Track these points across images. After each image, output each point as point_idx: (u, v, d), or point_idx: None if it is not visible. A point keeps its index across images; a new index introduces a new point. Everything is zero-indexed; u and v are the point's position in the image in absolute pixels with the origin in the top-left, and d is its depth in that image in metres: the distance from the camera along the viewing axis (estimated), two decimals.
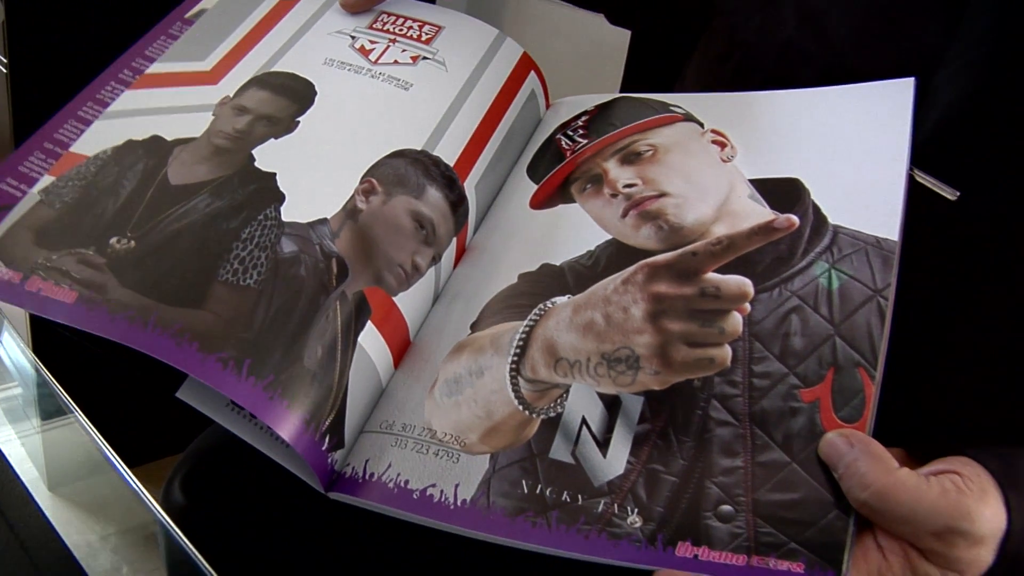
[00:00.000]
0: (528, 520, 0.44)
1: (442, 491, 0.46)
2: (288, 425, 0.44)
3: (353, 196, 0.51)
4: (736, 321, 0.46)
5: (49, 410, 0.62)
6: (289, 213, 0.50)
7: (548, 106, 0.64)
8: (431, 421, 0.48)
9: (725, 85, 0.58)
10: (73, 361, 0.61)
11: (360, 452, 0.48)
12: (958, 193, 0.49)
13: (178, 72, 0.56)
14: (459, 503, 0.45)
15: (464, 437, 0.47)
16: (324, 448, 0.46)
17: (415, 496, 0.46)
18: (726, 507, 0.42)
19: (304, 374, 0.46)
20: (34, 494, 0.48)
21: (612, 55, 0.76)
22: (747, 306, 0.47)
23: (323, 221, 0.50)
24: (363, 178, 0.52)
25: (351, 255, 0.50)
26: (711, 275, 0.48)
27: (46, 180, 0.51)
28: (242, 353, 0.44)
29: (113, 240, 0.48)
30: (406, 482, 0.46)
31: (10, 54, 0.96)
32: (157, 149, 0.52)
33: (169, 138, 0.53)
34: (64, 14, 1.00)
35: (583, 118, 0.60)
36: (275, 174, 0.51)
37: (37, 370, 0.58)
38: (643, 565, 0.41)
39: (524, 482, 0.45)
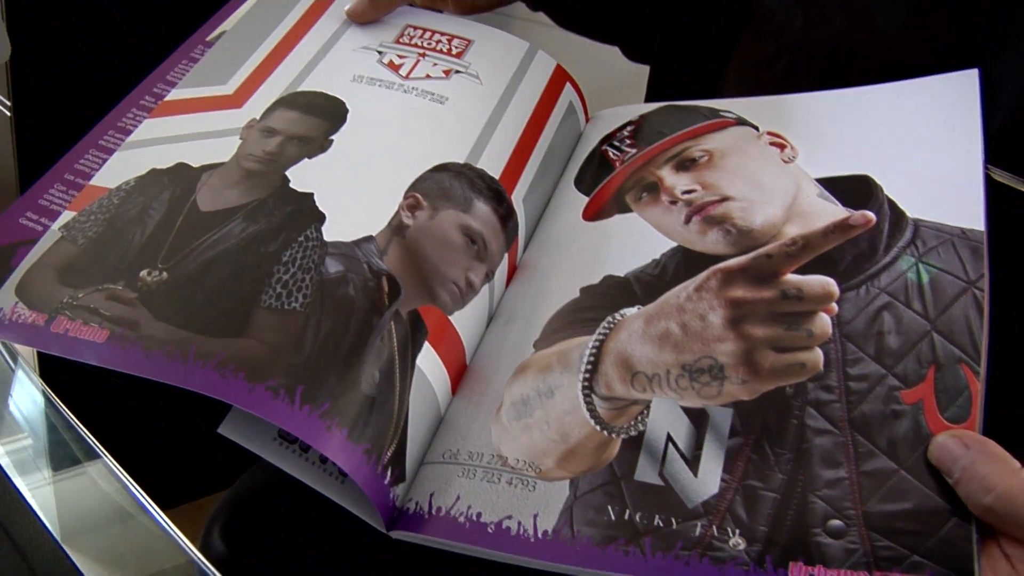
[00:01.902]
0: (620, 549, 0.41)
1: (520, 523, 0.42)
2: (348, 457, 0.41)
3: (398, 212, 0.49)
4: (824, 322, 0.44)
5: (61, 460, 0.59)
6: (331, 232, 0.48)
7: (588, 119, 0.62)
8: (500, 447, 0.45)
9: (775, 88, 0.57)
10: (85, 403, 0.57)
11: (423, 485, 0.45)
12: None
13: (200, 98, 0.54)
14: (540, 535, 0.42)
15: (539, 463, 0.44)
16: (386, 482, 0.43)
17: (490, 530, 0.42)
18: (835, 522, 0.40)
19: (362, 400, 0.43)
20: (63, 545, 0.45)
21: (632, 86, 0.75)
22: (834, 306, 0.44)
23: (368, 239, 0.48)
24: (406, 193, 0.50)
25: (402, 272, 0.47)
26: (791, 276, 0.46)
27: (67, 216, 0.48)
28: (293, 380, 0.41)
29: (143, 273, 0.45)
30: (478, 515, 0.43)
31: (14, 96, 0.94)
32: (184, 176, 0.50)
33: (195, 164, 0.50)
34: (69, 56, 0.98)
35: (628, 128, 0.58)
36: (312, 194, 0.49)
37: (56, 417, 0.54)
38: None
39: (610, 508, 0.42)
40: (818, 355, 0.43)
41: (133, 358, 0.42)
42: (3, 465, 0.53)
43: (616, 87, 0.73)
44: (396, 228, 0.49)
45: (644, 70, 0.77)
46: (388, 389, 0.44)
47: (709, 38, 0.69)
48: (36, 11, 0.95)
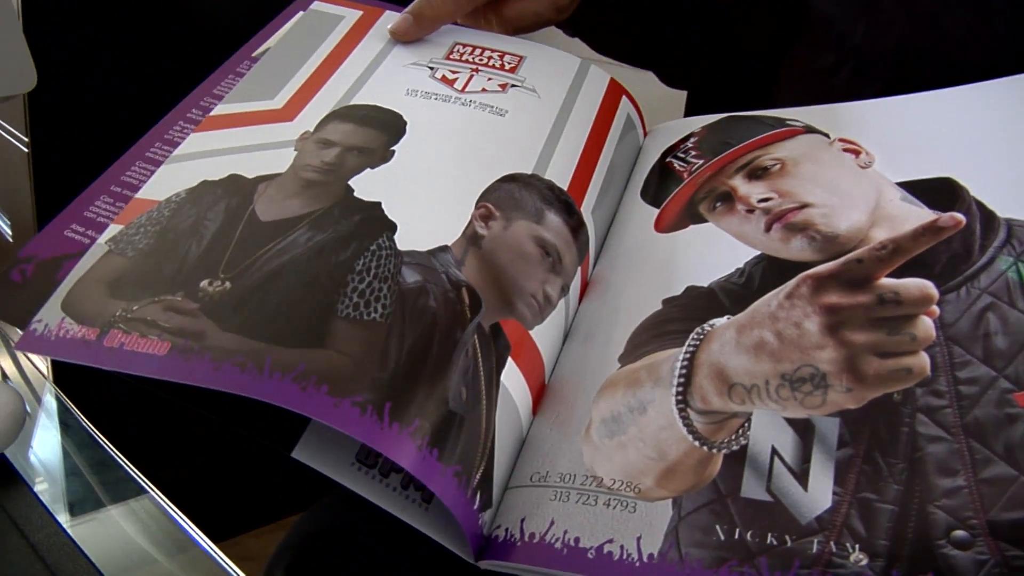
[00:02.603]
0: (734, 571, 0.39)
1: (622, 546, 0.40)
2: (439, 480, 0.39)
3: (471, 222, 0.48)
4: (927, 325, 0.43)
5: (80, 504, 0.56)
6: (404, 242, 0.46)
7: (645, 132, 0.61)
8: (594, 467, 0.43)
9: (839, 97, 0.56)
10: (118, 434, 0.55)
11: (511, 510, 0.43)
12: None
13: (248, 112, 0.53)
14: (646, 558, 0.40)
15: (637, 482, 0.42)
16: (475, 507, 0.41)
17: (590, 555, 0.40)
18: (960, 532, 0.38)
19: (451, 418, 0.41)
20: None
21: (668, 112, 0.74)
22: (935, 309, 0.43)
23: (444, 248, 0.46)
24: (477, 203, 0.48)
25: (480, 284, 0.45)
26: (886, 280, 0.45)
27: (114, 229, 0.47)
28: (380, 396, 0.39)
29: (204, 283, 0.44)
30: (576, 540, 0.41)
31: (32, 133, 0.92)
32: (238, 187, 0.48)
33: (250, 175, 0.49)
34: (87, 91, 0.97)
35: (692, 140, 0.57)
36: (380, 203, 0.48)
37: (90, 455, 0.52)
38: None
39: (718, 527, 0.40)
40: (924, 359, 0.42)
41: (200, 370, 0.39)
42: (46, 504, 0.50)
43: (652, 112, 0.72)
44: (471, 238, 0.47)
45: (681, 95, 0.76)
46: (475, 407, 0.42)
47: (752, 59, 0.69)
48: (51, 46, 0.94)
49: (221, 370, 0.39)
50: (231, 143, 0.51)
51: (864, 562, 0.38)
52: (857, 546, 0.38)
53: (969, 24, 0.53)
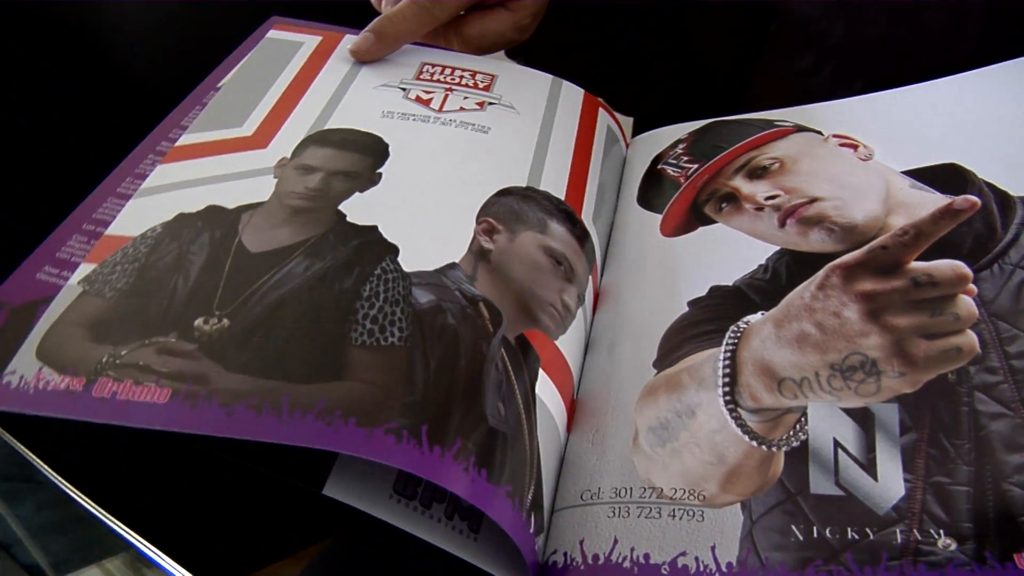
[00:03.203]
0: (821, 571, 0.37)
1: (697, 558, 0.38)
2: (495, 501, 0.36)
3: (475, 237, 0.45)
4: (968, 304, 0.42)
5: (63, 564, 0.50)
6: (409, 263, 0.43)
7: (627, 143, 0.60)
8: (651, 478, 0.41)
9: (823, 95, 0.56)
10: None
11: (564, 533, 0.40)
12: None
13: (217, 140, 0.50)
14: (725, 568, 0.37)
15: (701, 489, 0.40)
16: (531, 530, 0.38)
17: (664, 571, 0.38)
18: None
19: (493, 435, 0.38)
20: None
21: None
22: (972, 287, 0.43)
23: (453, 266, 0.44)
24: (478, 219, 0.46)
25: (497, 297, 0.43)
26: (916, 264, 0.44)
27: (85, 268, 0.43)
28: (415, 420, 0.36)
29: (199, 322, 0.40)
30: (646, 556, 0.38)
31: None
32: (220, 218, 0.45)
33: (230, 205, 0.46)
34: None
35: (681, 146, 0.56)
36: (376, 226, 0.45)
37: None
38: None
39: (794, 528, 0.38)
40: (972, 337, 0.41)
41: (210, 417, 0.36)
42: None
43: None
44: (478, 253, 0.45)
45: (627, 121, 0.76)
46: (516, 422, 0.39)
47: (714, 77, 0.69)
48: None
49: (235, 415, 0.36)
50: (202, 173, 0.48)
51: (953, 547, 0.36)
52: (942, 531, 0.37)
53: (946, 17, 0.54)
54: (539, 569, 0.39)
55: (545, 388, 0.42)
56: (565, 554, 0.39)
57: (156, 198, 0.46)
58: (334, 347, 0.39)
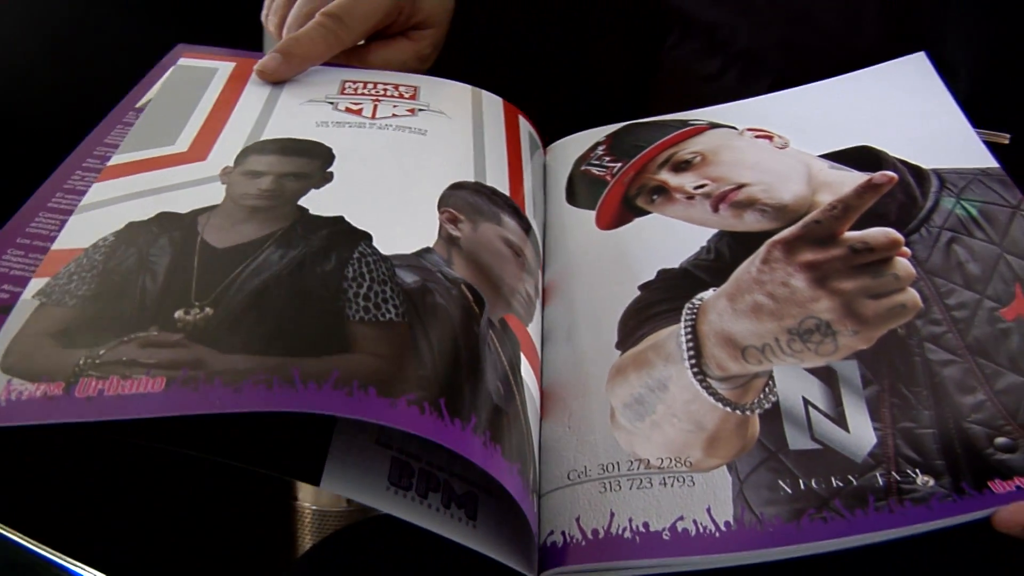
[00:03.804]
0: (815, 519, 0.38)
1: (695, 520, 0.39)
2: (510, 479, 0.37)
3: (442, 225, 0.46)
4: (905, 264, 0.46)
5: None
6: (384, 248, 0.43)
7: (544, 150, 0.62)
8: (636, 451, 0.42)
9: (731, 97, 0.60)
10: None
11: (558, 514, 0.40)
12: (1009, 136, 0.53)
13: (152, 158, 0.49)
14: (723, 527, 0.39)
15: (686, 456, 0.41)
16: (536, 510, 0.38)
17: (665, 536, 0.39)
18: (1001, 439, 0.40)
19: (500, 413, 0.38)
20: None
21: None
22: (906, 250, 0.46)
23: (428, 250, 0.44)
24: (440, 209, 0.47)
25: (474, 281, 0.43)
26: (850, 233, 0.47)
27: (38, 283, 0.41)
28: (432, 392, 0.36)
29: (179, 313, 0.39)
30: (646, 525, 0.39)
31: None
32: (174, 222, 0.44)
33: (183, 211, 0.45)
34: None
35: (600, 148, 0.59)
36: (342, 216, 0.45)
37: None
38: (977, 513, 0.37)
39: (781, 482, 0.40)
40: (913, 294, 0.45)
41: (215, 396, 0.35)
42: None
43: None
44: (448, 240, 0.45)
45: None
46: (512, 402, 0.40)
47: (611, 93, 0.73)
48: None
49: (242, 391, 0.35)
50: (145, 186, 0.47)
51: (932, 483, 0.39)
52: (918, 471, 0.39)
53: (843, 17, 0.59)
54: (540, 552, 0.39)
55: (527, 372, 0.43)
56: (563, 533, 0.39)
57: (100, 212, 0.45)
58: (334, 322, 0.39)
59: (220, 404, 0.34)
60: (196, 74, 0.57)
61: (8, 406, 0.35)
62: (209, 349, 0.37)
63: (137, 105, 0.53)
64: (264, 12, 0.64)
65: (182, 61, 0.58)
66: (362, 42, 0.61)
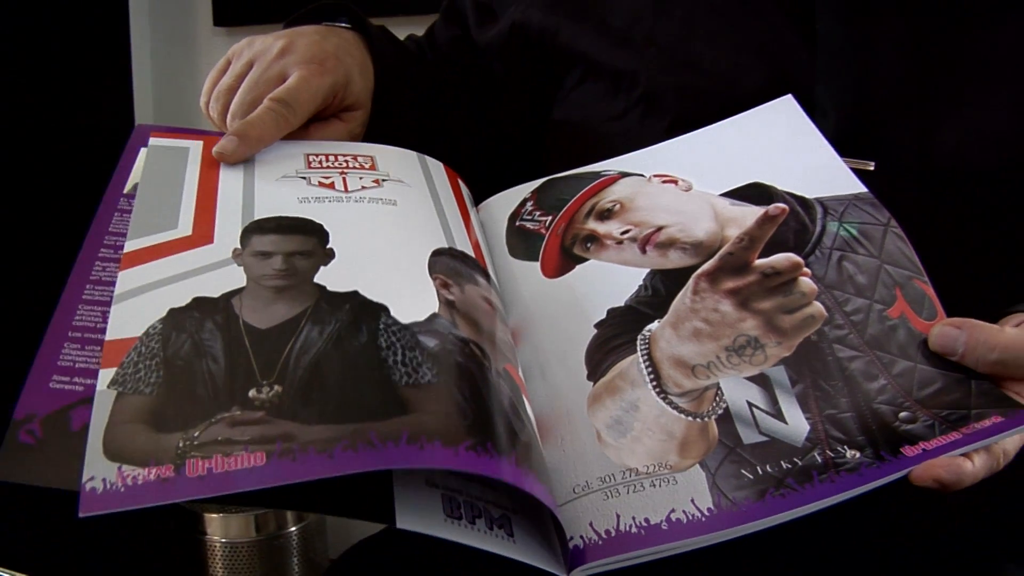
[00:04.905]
0: (776, 495, 0.50)
1: (684, 511, 0.50)
2: (548, 499, 0.47)
3: (439, 292, 0.55)
4: (808, 282, 0.58)
5: None
6: (401, 317, 0.53)
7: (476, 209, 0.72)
8: (625, 462, 0.52)
9: (635, 134, 0.72)
10: None
11: (573, 522, 0.51)
12: (873, 163, 0.67)
13: (164, 243, 0.55)
14: (707, 512, 0.50)
15: (666, 461, 0.52)
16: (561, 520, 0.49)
17: (664, 527, 0.49)
18: (904, 413, 0.53)
19: (526, 446, 0.48)
20: None
21: None
22: (806, 270, 0.59)
23: (436, 315, 0.53)
24: (431, 276, 0.56)
25: (476, 338, 0.53)
26: (760, 261, 0.60)
27: (107, 373, 0.47)
28: (480, 438, 0.46)
29: (252, 393, 0.47)
30: (646, 520, 0.50)
31: None
32: (212, 306, 0.51)
33: (215, 295, 0.52)
34: None
35: (529, 204, 0.69)
36: (356, 291, 0.53)
37: None
38: (897, 474, 0.50)
39: (743, 471, 0.51)
40: (819, 306, 0.57)
41: (312, 463, 0.43)
42: None
43: None
44: (448, 304, 0.54)
45: None
46: (531, 436, 0.50)
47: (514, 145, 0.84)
48: None
49: (335, 457, 0.43)
50: (168, 272, 0.53)
51: (858, 455, 0.51)
52: (845, 447, 0.52)
53: (727, 64, 0.72)
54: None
55: (527, 408, 0.53)
56: (582, 537, 0.50)
57: (138, 300, 0.51)
58: (387, 389, 0.48)
59: (320, 470, 0.42)
60: (171, 154, 0.63)
61: (127, 491, 0.41)
62: (292, 423, 0.45)
63: (125, 191, 0.60)
64: (203, 99, 0.71)
65: (153, 141, 0.64)
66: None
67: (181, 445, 0.44)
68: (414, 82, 0.82)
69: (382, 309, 0.52)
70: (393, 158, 0.68)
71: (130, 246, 0.55)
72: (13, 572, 0.55)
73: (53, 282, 0.54)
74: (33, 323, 0.53)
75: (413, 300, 0.54)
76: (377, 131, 0.75)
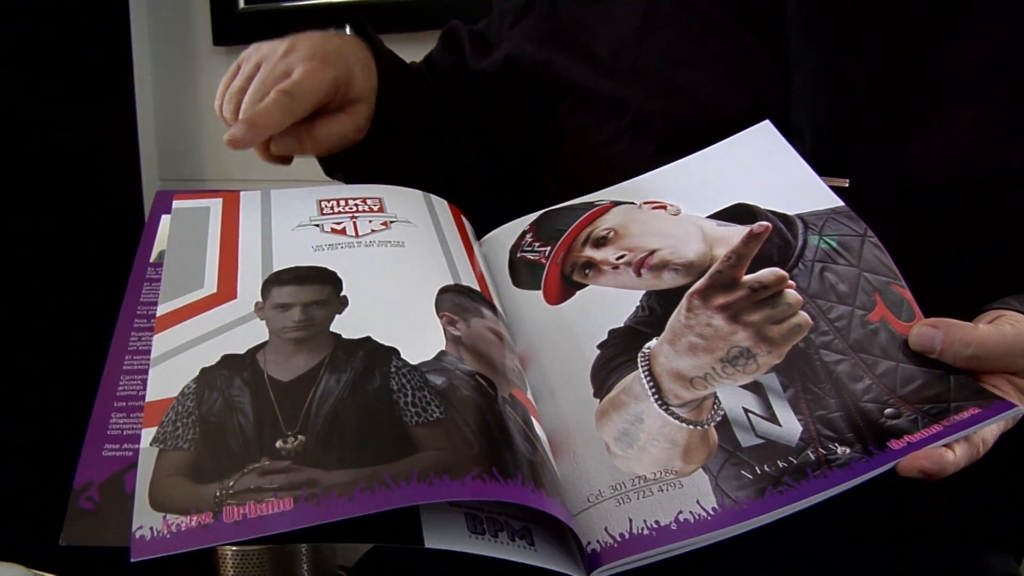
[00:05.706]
0: (775, 492, 0.56)
1: (691, 511, 0.56)
2: (558, 510, 0.52)
3: (446, 329, 0.61)
4: (793, 294, 0.64)
5: None
6: (410, 359, 0.58)
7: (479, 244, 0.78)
8: (634, 471, 0.58)
9: (624, 158, 0.78)
10: None
11: (589, 529, 0.56)
12: (847, 180, 0.74)
13: (192, 303, 0.61)
14: (711, 511, 0.55)
15: (672, 467, 0.58)
16: (576, 529, 0.54)
17: (673, 527, 0.55)
18: (889, 410, 0.59)
19: (534, 465, 0.54)
20: None
21: None
22: (791, 283, 0.65)
23: (444, 352, 0.59)
24: (439, 314, 0.62)
25: (483, 370, 0.59)
26: (747, 277, 0.66)
27: (148, 433, 0.53)
28: (485, 466, 0.51)
29: (279, 444, 0.52)
30: (656, 522, 0.55)
31: None
32: (239, 363, 0.57)
33: (241, 351, 0.58)
34: None
35: (528, 236, 0.75)
36: (369, 337, 0.59)
37: None
38: (885, 467, 0.56)
39: (743, 472, 0.57)
40: (804, 315, 0.63)
41: (336, 506, 0.48)
42: None
43: None
44: (455, 340, 0.60)
45: None
46: (537, 453, 0.55)
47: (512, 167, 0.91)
48: None
49: (355, 499, 0.49)
50: (197, 332, 0.59)
51: (848, 451, 0.57)
52: (836, 444, 0.58)
53: (709, 91, 0.79)
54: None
55: (538, 428, 0.59)
56: (598, 541, 0.55)
57: (172, 361, 0.57)
58: (399, 431, 0.53)
59: (341, 511, 0.48)
60: (195, 215, 0.70)
61: (172, 537, 0.47)
62: (316, 470, 0.50)
63: (152, 260, 0.66)
64: (217, 102, 0.79)
65: (177, 204, 0.71)
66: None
67: (218, 494, 0.49)
68: (415, 88, 0.89)
69: (393, 352, 0.58)
70: (400, 199, 0.74)
71: (162, 309, 0.61)
72: (39, 573, 0.61)
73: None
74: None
75: (421, 340, 0.59)
76: (380, 131, 0.82)
